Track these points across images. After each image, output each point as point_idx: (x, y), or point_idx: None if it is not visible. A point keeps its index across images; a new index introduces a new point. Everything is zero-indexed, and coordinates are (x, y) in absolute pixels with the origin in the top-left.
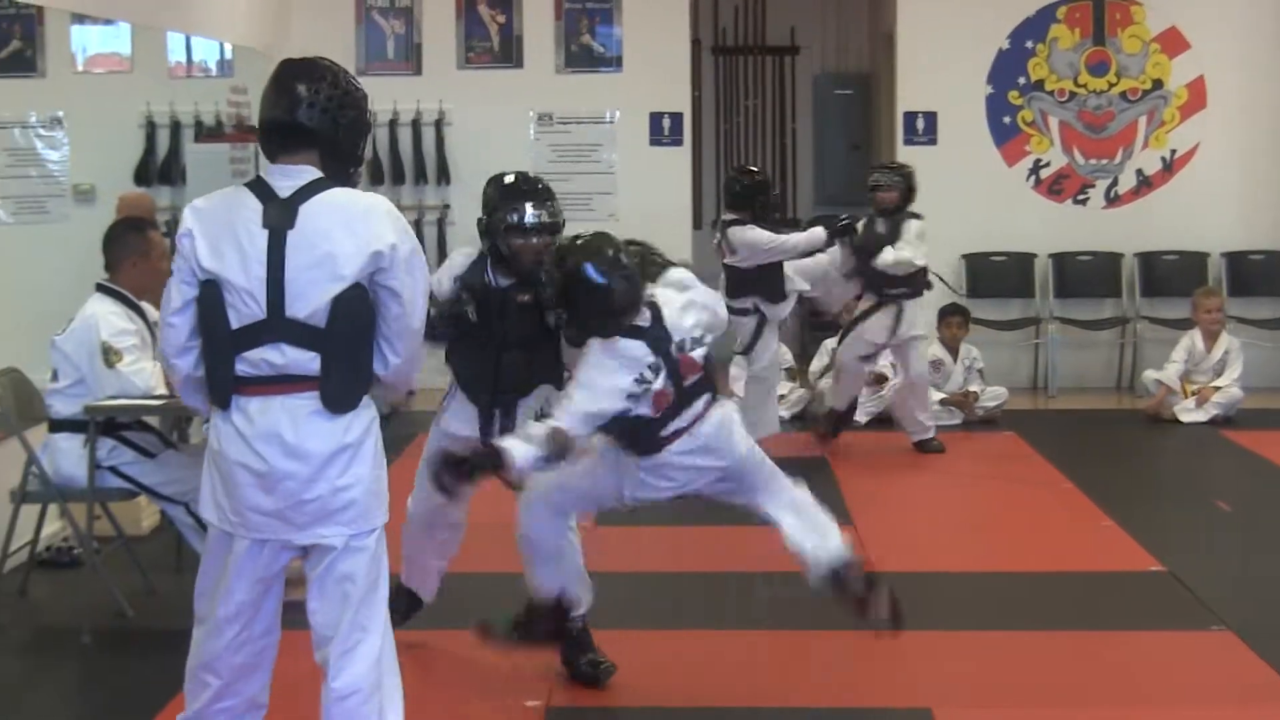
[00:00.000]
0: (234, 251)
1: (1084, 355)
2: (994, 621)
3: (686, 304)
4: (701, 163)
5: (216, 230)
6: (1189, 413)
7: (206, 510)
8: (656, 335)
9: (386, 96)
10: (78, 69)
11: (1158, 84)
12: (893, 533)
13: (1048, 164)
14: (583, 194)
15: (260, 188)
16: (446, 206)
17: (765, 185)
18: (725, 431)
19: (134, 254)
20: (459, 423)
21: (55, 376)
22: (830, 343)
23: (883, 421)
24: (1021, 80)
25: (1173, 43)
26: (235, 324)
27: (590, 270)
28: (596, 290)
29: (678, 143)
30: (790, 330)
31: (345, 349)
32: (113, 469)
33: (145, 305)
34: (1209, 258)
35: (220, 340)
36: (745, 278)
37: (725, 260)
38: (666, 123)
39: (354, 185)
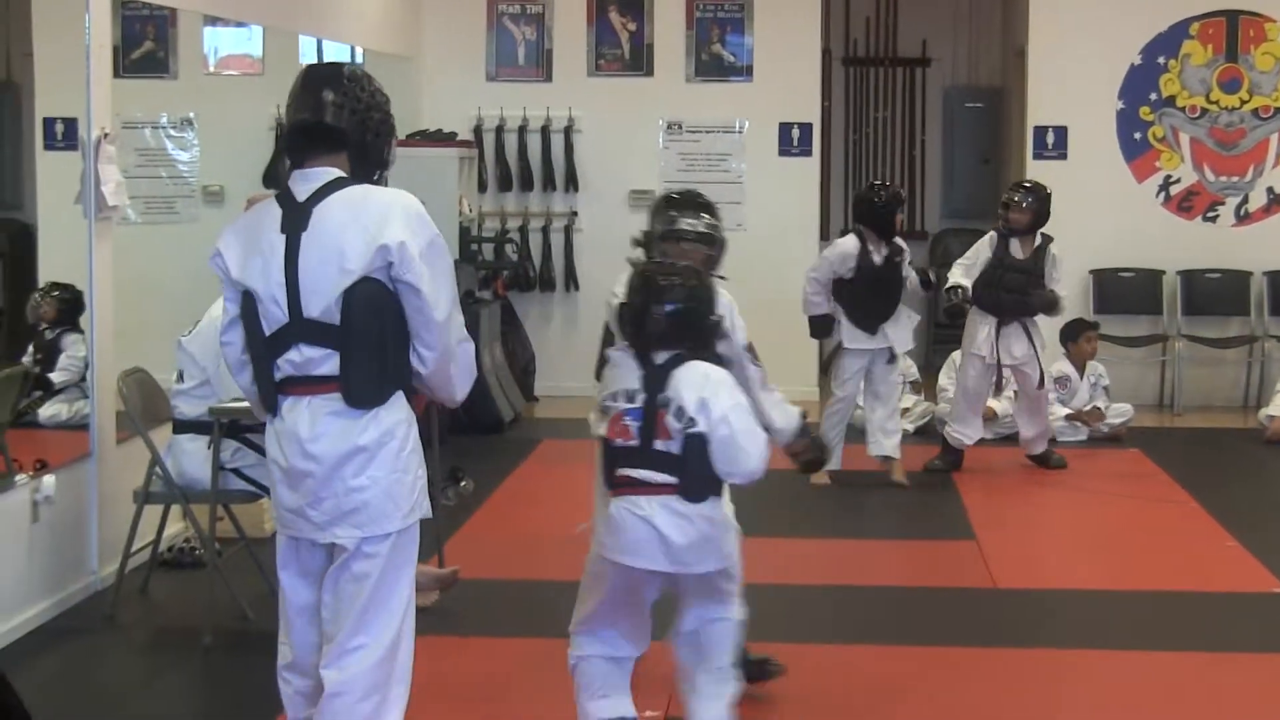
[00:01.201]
0: (258, 260)
1: (1211, 373)
2: (1115, 641)
3: (710, 383)
4: (830, 174)
5: (244, 243)
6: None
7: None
8: (654, 374)
9: (516, 103)
10: (209, 70)
11: None
12: (1016, 550)
13: (1178, 180)
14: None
15: (284, 195)
16: (574, 214)
17: (893, 200)
18: (683, 540)
19: None
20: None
21: (180, 377)
22: (957, 355)
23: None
24: (1153, 96)
25: None
26: (268, 330)
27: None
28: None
29: (807, 153)
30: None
31: (363, 345)
32: (235, 471)
33: None
34: None
35: (259, 348)
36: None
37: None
38: (796, 133)
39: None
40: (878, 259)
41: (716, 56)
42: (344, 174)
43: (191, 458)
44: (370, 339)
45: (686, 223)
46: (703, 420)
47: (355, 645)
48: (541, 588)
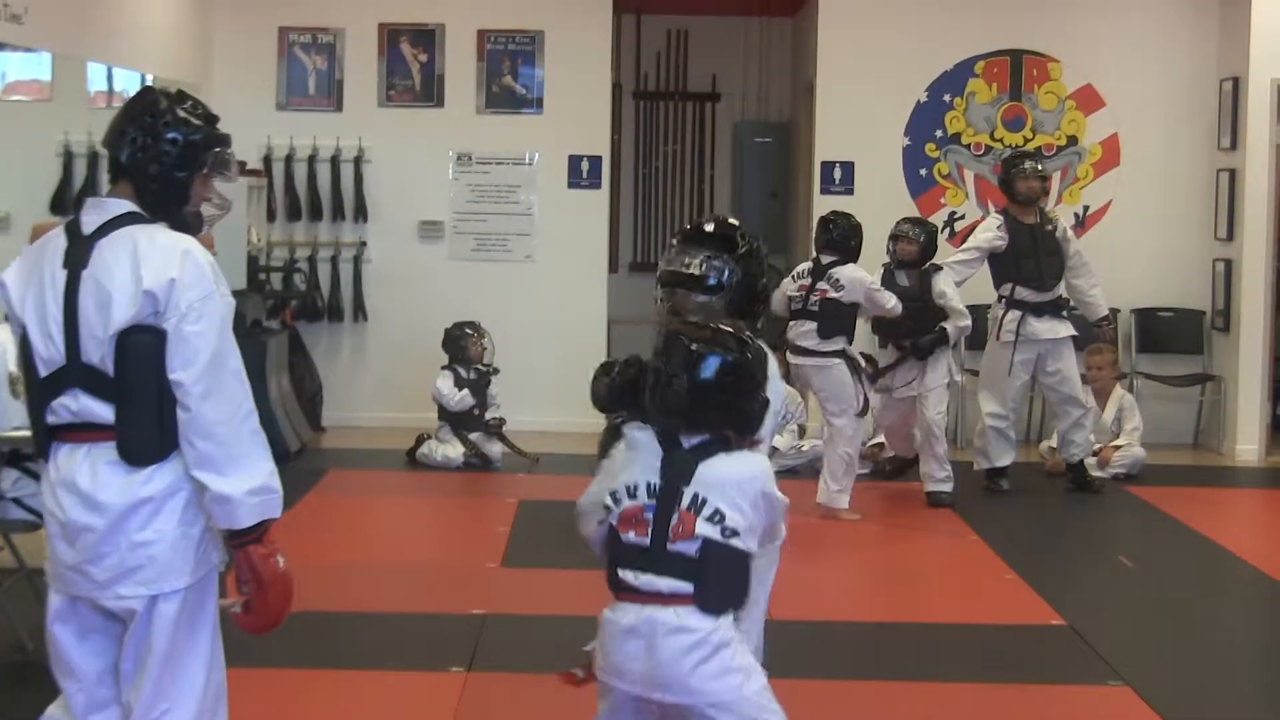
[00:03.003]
0: (37, 295)
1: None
2: (893, 672)
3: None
4: (619, 206)
5: (27, 274)
6: (1093, 470)
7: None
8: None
9: (307, 132)
10: None
11: (1073, 140)
12: (793, 581)
13: (962, 216)
14: (500, 235)
15: (71, 225)
16: (363, 244)
17: (860, 229)
18: (688, 665)
19: None
20: None
21: None
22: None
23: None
24: (939, 133)
25: (1088, 100)
26: (43, 370)
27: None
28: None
29: (596, 186)
30: None
31: (139, 398)
32: (16, 500)
33: None
34: (1120, 314)
35: (33, 388)
36: (842, 316)
37: (829, 296)
38: (585, 165)
39: (190, 225)
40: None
41: (507, 88)
42: (136, 208)
43: None
44: (147, 394)
45: (680, 263)
46: (742, 524)
47: (158, 714)
48: (326, 619)
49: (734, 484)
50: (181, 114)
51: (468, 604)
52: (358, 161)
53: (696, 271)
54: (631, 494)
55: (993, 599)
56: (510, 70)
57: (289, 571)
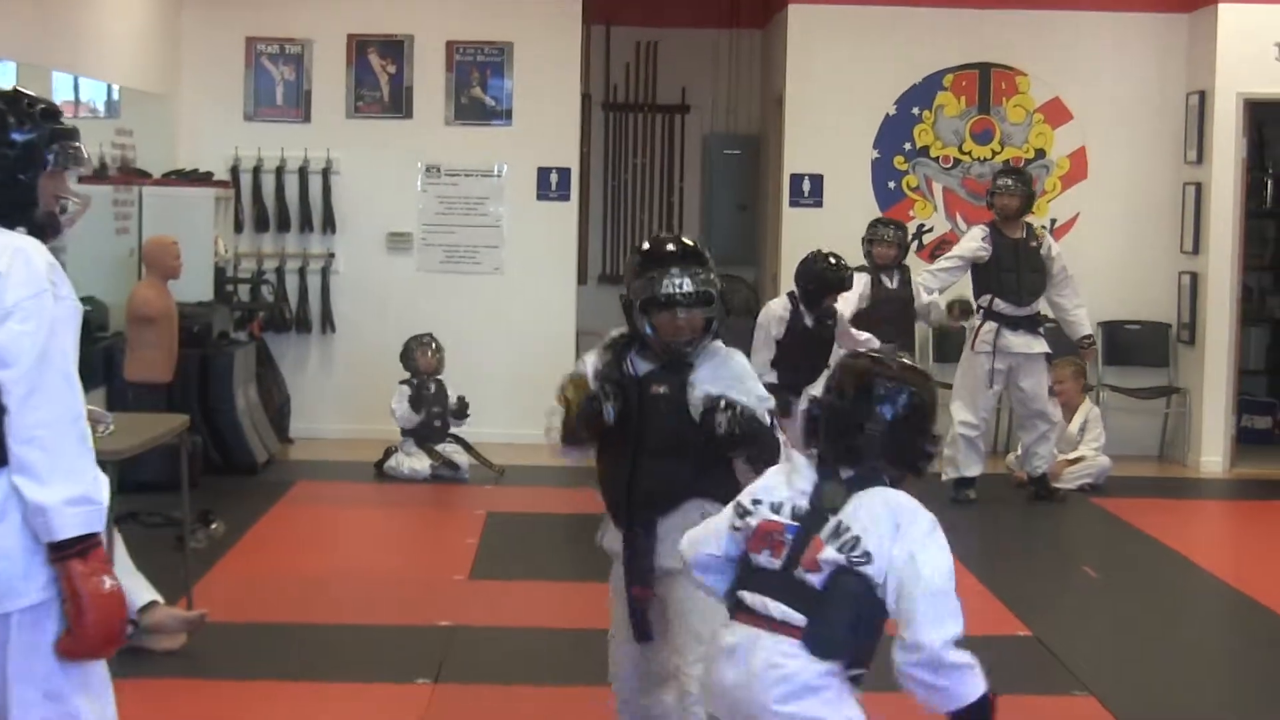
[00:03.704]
0: None
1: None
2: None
3: (904, 515)
4: (588, 218)
5: None
6: (1058, 481)
7: None
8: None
9: (275, 143)
10: None
11: (1040, 153)
12: None
13: (931, 229)
14: (469, 247)
15: None
16: (331, 255)
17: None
18: (773, 695)
19: None
20: (611, 539)
21: None
22: None
23: None
24: (907, 146)
25: (1056, 113)
26: None
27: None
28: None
29: (565, 198)
30: None
31: None
32: None
33: None
34: None
35: None
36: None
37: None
38: (554, 178)
39: (46, 227)
40: (809, 321)
41: (476, 100)
42: None
43: None
44: None
45: (671, 283)
46: (878, 559)
47: None
48: (292, 630)
49: (886, 515)
50: (15, 115)
51: (435, 615)
52: (326, 173)
53: (693, 288)
54: (775, 510)
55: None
56: (479, 81)
57: (117, 592)
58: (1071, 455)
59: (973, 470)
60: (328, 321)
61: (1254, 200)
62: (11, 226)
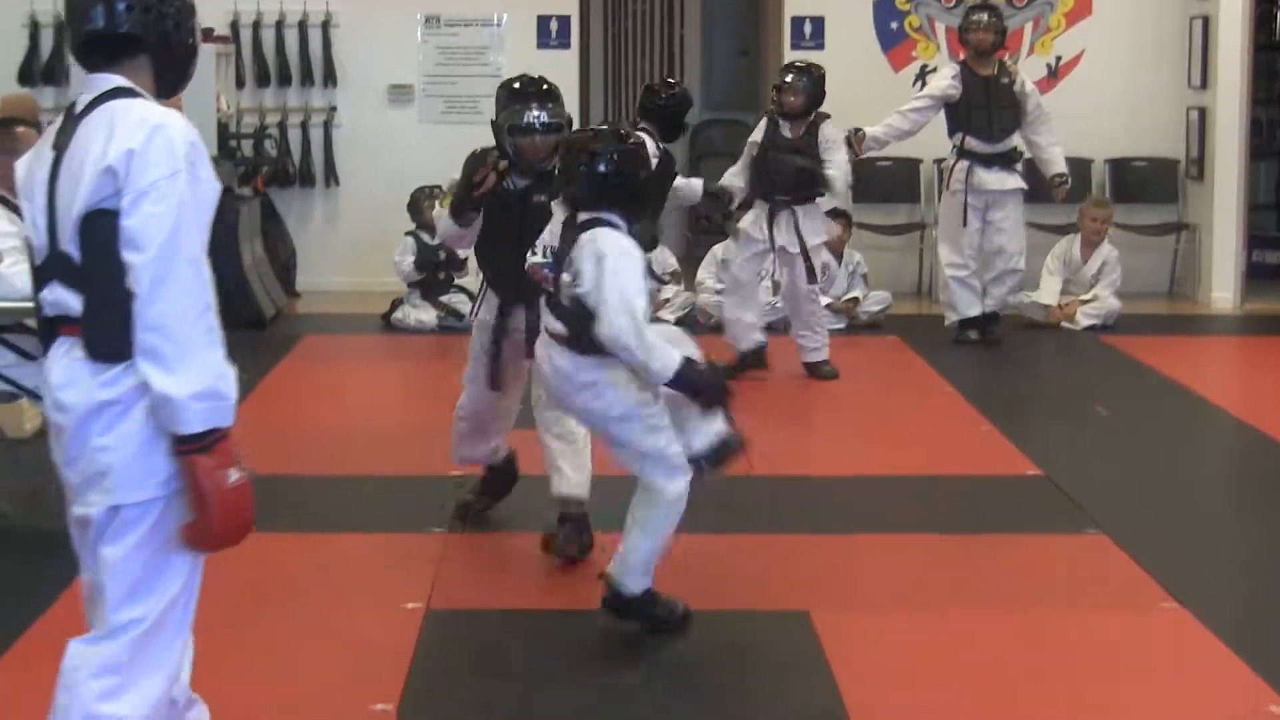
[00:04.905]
0: (29, 179)
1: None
2: (871, 525)
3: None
4: (589, 67)
5: (30, 159)
6: (1069, 321)
7: None
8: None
9: None
10: None
11: None
12: (772, 437)
13: (934, 69)
14: (470, 97)
15: (71, 105)
16: (333, 109)
17: (681, 102)
18: (566, 387)
19: (2, 152)
20: (486, 312)
21: None
22: (720, 249)
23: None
24: None
25: None
26: (37, 259)
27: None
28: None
29: (565, 46)
30: (675, 233)
31: (103, 289)
32: None
33: None
34: (1093, 164)
35: (33, 279)
36: None
37: None
38: (554, 25)
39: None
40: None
41: None
42: (127, 84)
43: None
44: (112, 282)
45: (532, 115)
46: (587, 282)
47: (113, 624)
48: (304, 483)
49: (591, 251)
50: None
51: (446, 466)
52: (325, 26)
53: (549, 119)
54: (542, 253)
55: (969, 450)
56: None
57: (243, 486)
58: (1085, 296)
59: (970, 310)
60: (331, 175)
61: (1263, 33)
62: (169, 91)
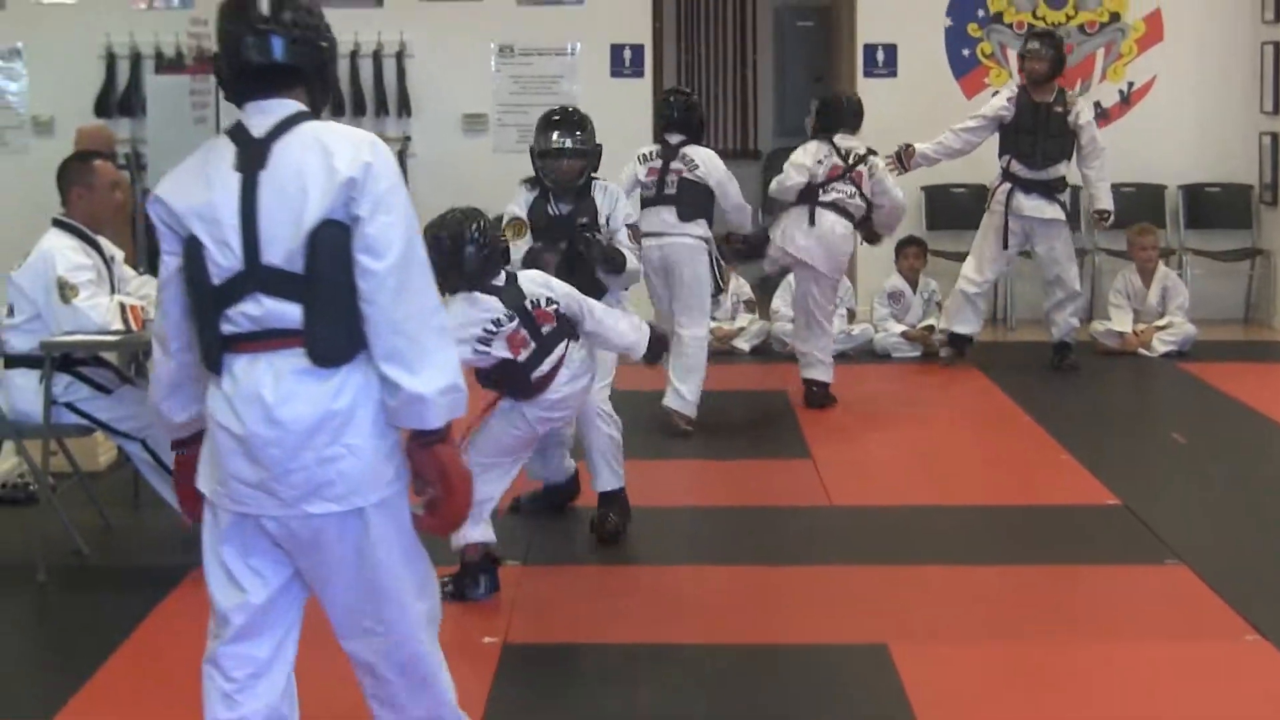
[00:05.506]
0: (206, 201)
1: (1043, 287)
2: (949, 556)
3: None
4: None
5: (189, 184)
6: (1146, 348)
7: (201, 480)
8: (510, 293)
9: (348, 28)
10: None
11: (1115, 16)
12: (850, 467)
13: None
14: None
15: (236, 130)
16: (407, 139)
17: (698, 106)
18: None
19: (79, 184)
20: None
21: (11, 312)
22: (791, 277)
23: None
24: (980, 13)
25: None
26: (216, 279)
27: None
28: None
29: (639, 74)
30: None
31: (329, 295)
32: (69, 405)
33: (102, 240)
34: (1166, 190)
35: (204, 299)
36: (702, 198)
37: (686, 176)
38: (628, 54)
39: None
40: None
41: None
42: (305, 107)
43: (23, 393)
44: (338, 289)
45: (558, 140)
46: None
47: (373, 625)
48: None
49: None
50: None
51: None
52: (400, 56)
53: (570, 145)
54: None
55: (1047, 480)
56: None
57: (469, 469)
58: (1160, 323)
59: (964, 328)
60: None
61: None
62: (318, 114)
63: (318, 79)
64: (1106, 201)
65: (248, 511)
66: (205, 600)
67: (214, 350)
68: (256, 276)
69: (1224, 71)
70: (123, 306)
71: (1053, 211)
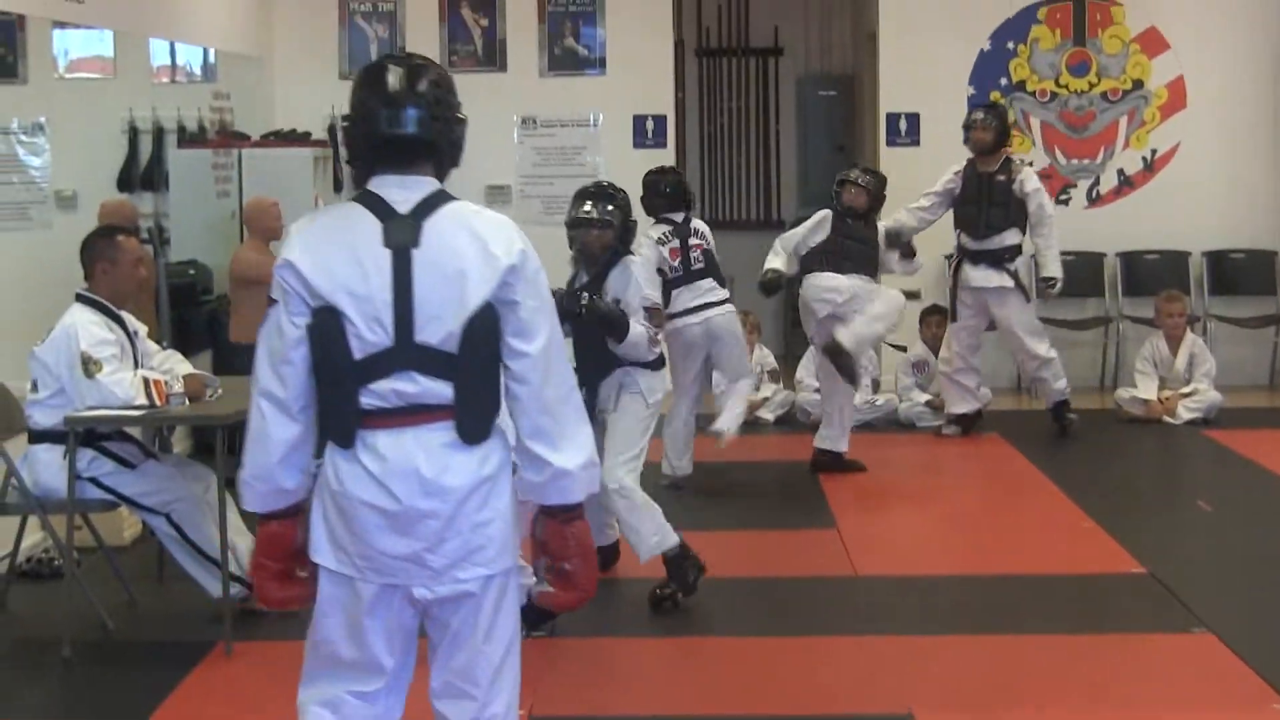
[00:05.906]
0: (355, 275)
1: (1067, 355)
2: (974, 625)
3: None
4: (686, 165)
5: (330, 252)
6: (1171, 416)
7: (323, 555)
8: None
9: None
10: (60, 74)
11: (1138, 84)
12: (875, 537)
13: (1031, 163)
14: (567, 197)
15: (375, 203)
16: None
17: (684, 178)
18: None
19: (103, 259)
20: None
21: (35, 387)
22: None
23: (866, 425)
24: (1003, 81)
25: (1153, 43)
26: (359, 354)
27: None
28: None
29: (661, 145)
30: (774, 331)
31: (479, 375)
32: (93, 480)
33: (125, 315)
34: (1190, 257)
35: (341, 372)
36: (715, 269)
37: (706, 249)
38: (650, 125)
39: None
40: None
41: (569, 50)
42: (441, 185)
43: (48, 467)
44: (487, 368)
45: (584, 211)
46: None
47: (502, 697)
48: None
49: None
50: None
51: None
52: None
53: (597, 216)
54: None
55: (1072, 549)
56: (572, 31)
57: None
58: (1185, 390)
59: (956, 408)
60: None
61: None
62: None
63: (447, 155)
64: (1051, 269)
65: (396, 583)
66: (229, 676)
67: (350, 424)
68: (408, 354)
69: (1247, 138)
70: (146, 381)
71: (999, 280)
